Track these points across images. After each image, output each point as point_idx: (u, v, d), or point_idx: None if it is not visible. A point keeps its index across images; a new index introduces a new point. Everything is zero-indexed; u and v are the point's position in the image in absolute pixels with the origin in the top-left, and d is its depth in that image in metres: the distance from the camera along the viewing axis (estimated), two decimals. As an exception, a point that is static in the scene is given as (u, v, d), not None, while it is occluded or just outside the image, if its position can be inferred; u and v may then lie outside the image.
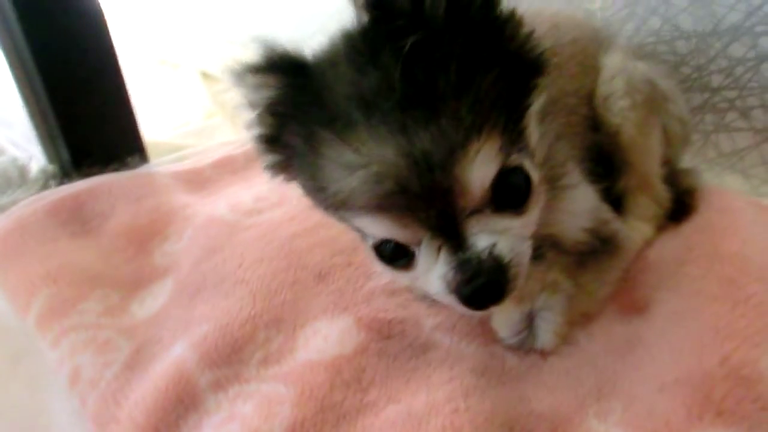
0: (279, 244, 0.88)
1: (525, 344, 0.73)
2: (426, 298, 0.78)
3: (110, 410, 0.71)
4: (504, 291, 0.58)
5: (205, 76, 1.93)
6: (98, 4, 1.15)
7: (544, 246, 0.74)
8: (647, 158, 0.90)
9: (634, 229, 0.88)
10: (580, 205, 0.75)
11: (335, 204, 0.59)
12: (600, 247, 0.77)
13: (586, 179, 0.78)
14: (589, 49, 0.92)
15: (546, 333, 0.72)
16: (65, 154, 1.18)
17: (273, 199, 1.02)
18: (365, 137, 0.54)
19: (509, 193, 0.58)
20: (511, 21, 0.62)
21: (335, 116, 0.56)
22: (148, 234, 1.00)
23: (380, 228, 0.59)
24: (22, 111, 1.19)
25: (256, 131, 0.65)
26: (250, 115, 0.64)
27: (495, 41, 0.60)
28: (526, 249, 0.61)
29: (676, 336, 0.69)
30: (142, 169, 1.18)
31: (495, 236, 0.57)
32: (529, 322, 0.73)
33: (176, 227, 1.01)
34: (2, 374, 0.85)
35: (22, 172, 1.15)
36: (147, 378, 0.73)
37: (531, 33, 0.63)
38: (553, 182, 0.71)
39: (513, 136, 0.60)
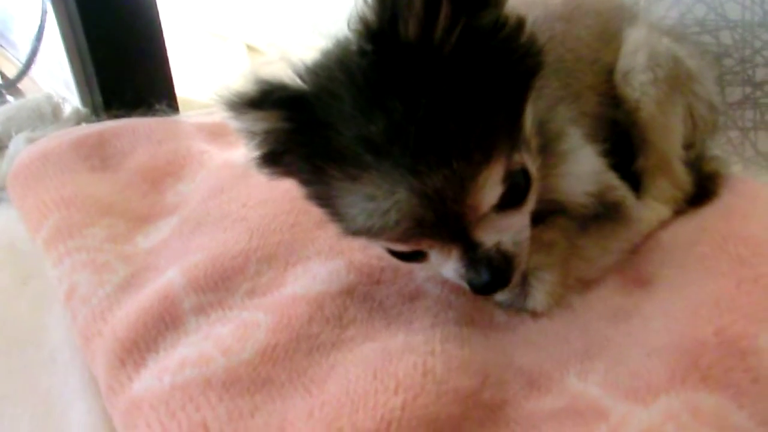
0: (285, 189, 0.88)
1: (516, 303, 0.70)
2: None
3: (97, 325, 0.72)
4: (510, 279, 0.62)
5: (251, 48, 1.97)
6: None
7: (546, 211, 0.72)
8: (667, 137, 0.86)
9: (650, 208, 0.85)
10: (582, 168, 0.73)
11: (350, 232, 0.61)
12: (604, 213, 0.74)
13: (588, 142, 0.75)
14: (612, 21, 0.89)
15: (538, 293, 0.69)
16: (98, 97, 1.21)
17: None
18: (379, 181, 0.55)
19: (512, 194, 0.60)
20: (517, 32, 0.60)
21: (343, 156, 0.56)
22: (164, 174, 1.02)
23: (396, 248, 0.64)
24: (63, 55, 1.23)
25: (255, 153, 0.63)
26: (247, 140, 0.63)
27: (502, 61, 0.59)
28: (526, 235, 0.64)
29: (674, 306, 0.66)
30: (169, 118, 1.20)
31: (500, 233, 0.60)
32: (522, 280, 0.70)
33: (191, 169, 1.02)
34: (11, 293, 0.88)
35: (56, 110, 1.18)
36: (135, 298, 0.74)
37: (531, 37, 0.61)
38: (552, 146, 0.70)
39: (514, 139, 0.60)
